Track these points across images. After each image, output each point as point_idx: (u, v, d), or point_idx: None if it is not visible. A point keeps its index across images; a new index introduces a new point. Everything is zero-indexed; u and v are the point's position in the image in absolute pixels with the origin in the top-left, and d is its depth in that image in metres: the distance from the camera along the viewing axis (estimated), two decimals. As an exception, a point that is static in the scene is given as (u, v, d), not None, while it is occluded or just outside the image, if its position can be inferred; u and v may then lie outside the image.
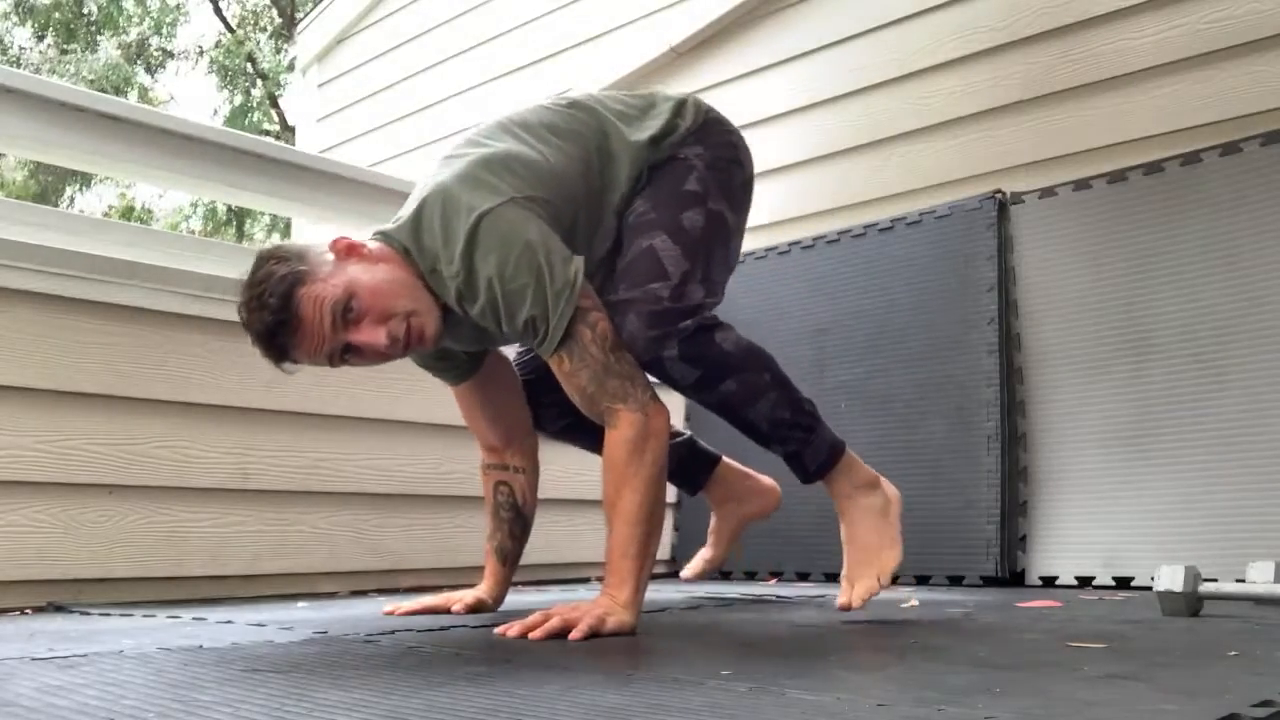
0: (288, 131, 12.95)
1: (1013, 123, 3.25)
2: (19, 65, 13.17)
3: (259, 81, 14.50)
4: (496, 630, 1.66)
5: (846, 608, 1.87)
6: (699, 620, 1.98)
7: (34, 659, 1.42)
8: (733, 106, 2.20)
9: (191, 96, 19.09)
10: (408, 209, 1.79)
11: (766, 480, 2.31)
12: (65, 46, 13.86)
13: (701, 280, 1.80)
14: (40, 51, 14.03)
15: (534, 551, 2.18)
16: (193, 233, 13.67)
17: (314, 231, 4.63)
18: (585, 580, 3.00)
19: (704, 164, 1.89)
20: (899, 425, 2.99)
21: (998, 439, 2.83)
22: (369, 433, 2.75)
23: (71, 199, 14.45)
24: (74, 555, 2.29)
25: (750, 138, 2.04)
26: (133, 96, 13.53)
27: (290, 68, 12.04)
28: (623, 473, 1.70)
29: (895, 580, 1.98)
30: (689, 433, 2.32)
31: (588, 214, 1.84)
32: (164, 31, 14.77)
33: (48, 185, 13.91)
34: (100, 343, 2.35)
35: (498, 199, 1.70)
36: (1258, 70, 2.83)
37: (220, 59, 14.58)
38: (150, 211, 14.91)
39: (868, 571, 1.87)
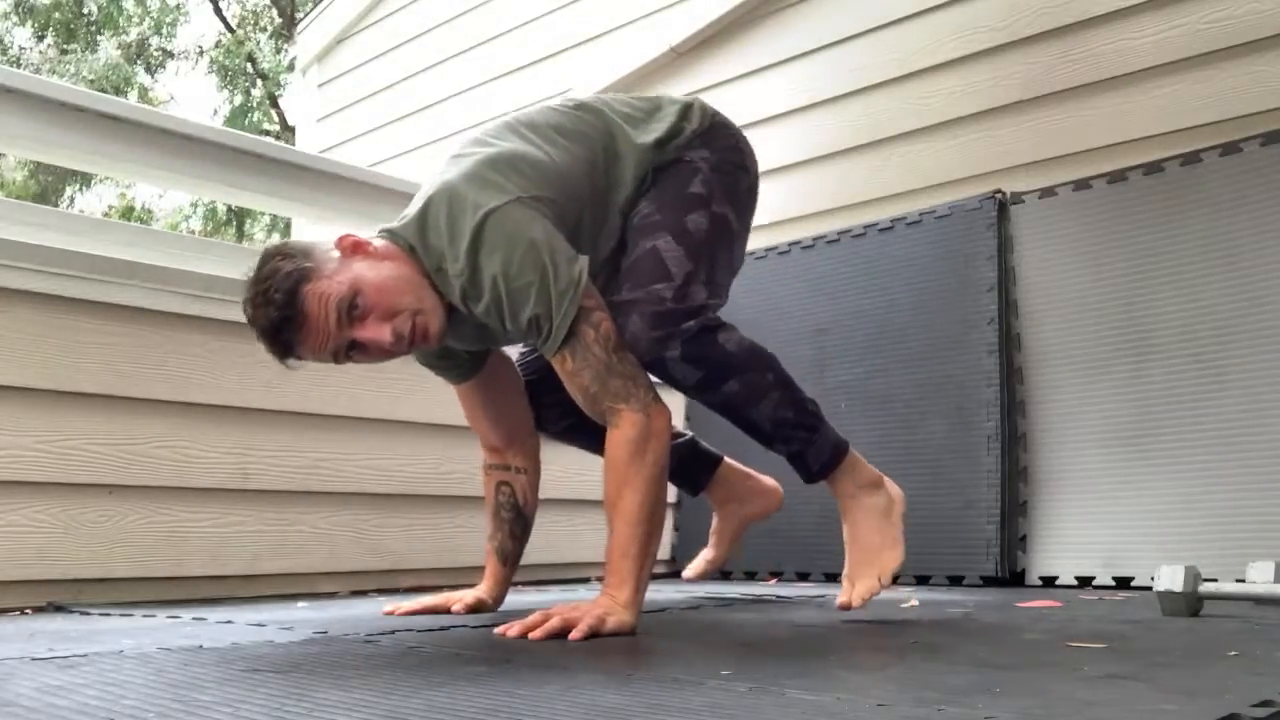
0: (288, 131, 12.95)
1: (1013, 123, 3.25)
2: (19, 65, 13.17)
3: (259, 81, 14.50)
4: (496, 630, 1.67)
5: (846, 607, 1.87)
6: (699, 620, 1.98)
7: (34, 659, 1.42)
8: (733, 106, 2.20)
9: (191, 96, 19.12)
10: (414, 207, 1.79)
11: (768, 481, 2.32)
12: (65, 46, 13.86)
13: (705, 282, 1.81)
14: (40, 51, 14.03)
15: (534, 551, 2.18)
16: (193, 233, 13.67)
17: (314, 231, 4.62)
18: (585, 580, 3.00)
19: (709, 167, 1.90)
20: (899, 425, 2.99)
21: (998, 439, 2.83)
22: (369, 433, 2.75)
23: (71, 199, 14.45)
24: (74, 555, 2.29)
25: (750, 138, 2.04)
26: (133, 96, 13.53)
27: (290, 68, 12.04)
28: (624, 473, 1.70)
29: (896, 580, 1.98)
30: (690, 433, 2.32)
31: (593, 213, 1.84)
32: (164, 31, 14.77)
33: (48, 185, 13.91)
34: (100, 343, 2.35)
35: (504, 198, 1.70)
36: (1258, 70, 2.83)
37: (220, 59, 14.58)
38: (150, 211, 14.91)
39: (869, 571, 1.88)
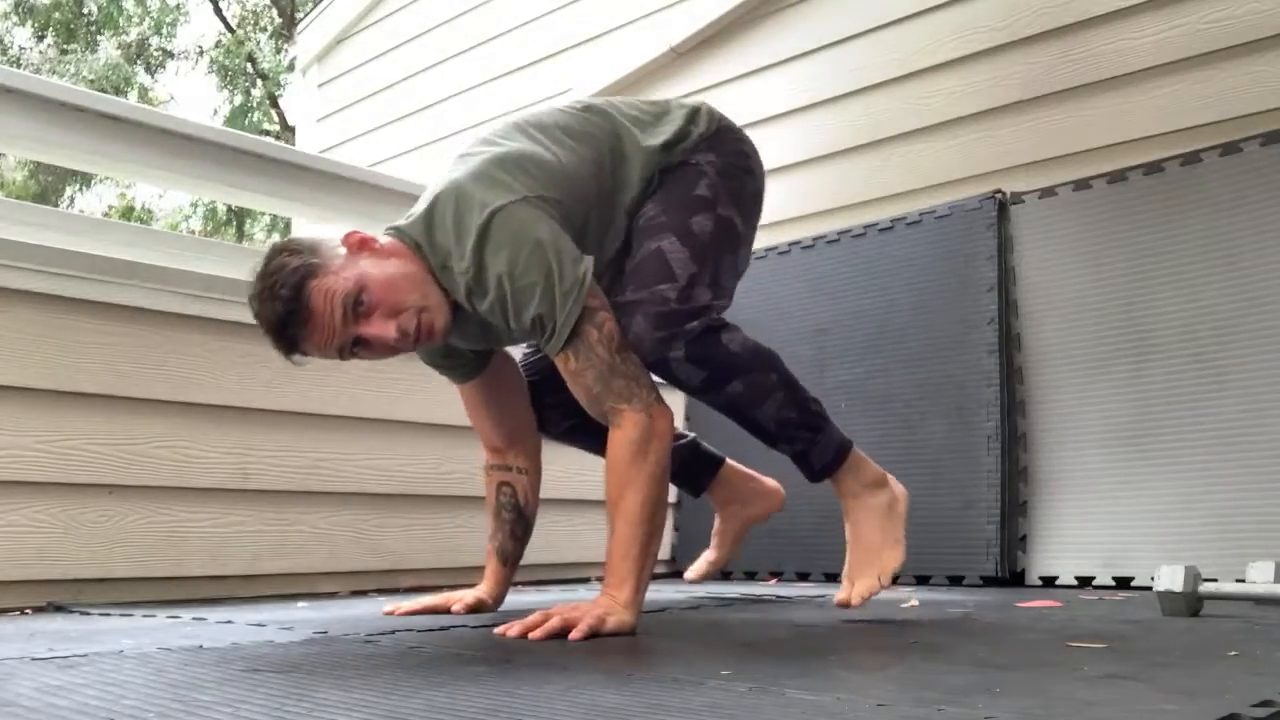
0: (288, 131, 12.95)
1: (1013, 123, 3.25)
2: (19, 65, 13.17)
3: (259, 81, 14.50)
4: (496, 630, 1.67)
5: (845, 605, 1.87)
6: (699, 620, 1.98)
7: (34, 659, 1.42)
8: (733, 106, 2.20)
9: (191, 96, 19.11)
10: (420, 205, 1.80)
11: (770, 482, 2.32)
12: (65, 46, 13.86)
13: (709, 284, 1.81)
14: (40, 51, 14.03)
15: (534, 551, 2.18)
16: (193, 233, 13.67)
17: (314, 232, 4.62)
18: (585, 580, 3.00)
19: (715, 170, 1.90)
20: (899, 425, 2.99)
21: (998, 439, 2.84)
22: (369, 433, 2.75)
23: (71, 199, 14.45)
24: (74, 555, 2.29)
25: (750, 138, 2.04)
26: (133, 96, 13.53)
27: (290, 68, 12.04)
28: (626, 473, 1.71)
29: (896, 580, 1.98)
30: (692, 435, 2.32)
31: (599, 214, 1.84)
32: (164, 31, 14.77)
33: (48, 185, 13.91)
34: (100, 343, 2.35)
35: (510, 197, 1.71)
36: (1258, 70, 2.83)
37: (220, 59, 14.58)
38: (150, 211, 14.91)
39: (869, 570, 1.88)
